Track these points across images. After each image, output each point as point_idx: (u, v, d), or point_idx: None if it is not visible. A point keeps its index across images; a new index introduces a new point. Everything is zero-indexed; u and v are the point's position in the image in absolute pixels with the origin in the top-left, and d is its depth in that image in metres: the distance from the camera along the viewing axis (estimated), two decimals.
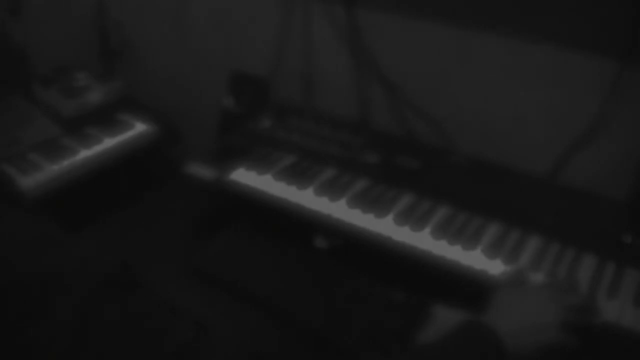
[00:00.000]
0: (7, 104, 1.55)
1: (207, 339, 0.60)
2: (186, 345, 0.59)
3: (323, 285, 1.23)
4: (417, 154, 1.38)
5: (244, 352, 0.64)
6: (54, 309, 0.55)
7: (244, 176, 1.31)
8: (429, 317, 1.08)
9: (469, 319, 0.85)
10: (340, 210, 1.22)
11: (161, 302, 0.62)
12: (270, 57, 1.66)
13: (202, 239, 1.42)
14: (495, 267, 1.09)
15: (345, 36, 1.53)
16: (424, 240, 1.14)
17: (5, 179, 1.35)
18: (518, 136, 1.39)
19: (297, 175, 1.31)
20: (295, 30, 1.60)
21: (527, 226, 1.17)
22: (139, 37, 1.91)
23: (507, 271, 1.07)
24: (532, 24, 1.27)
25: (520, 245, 1.14)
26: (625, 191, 1.27)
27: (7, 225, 0.60)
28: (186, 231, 1.50)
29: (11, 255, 0.57)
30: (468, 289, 1.06)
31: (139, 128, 1.66)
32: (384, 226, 1.18)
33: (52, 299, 0.55)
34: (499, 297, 0.91)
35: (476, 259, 1.10)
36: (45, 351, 0.54)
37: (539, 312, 0.87)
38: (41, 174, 1.43)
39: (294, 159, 1.37)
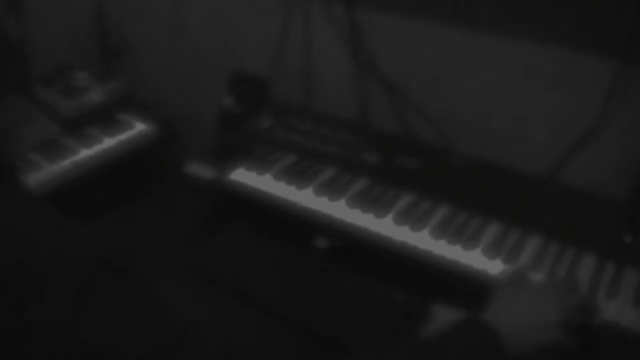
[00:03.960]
0: (7, 104, 1.55)
1: (200, 335, 0.60)
2: (177, 340, 0.59)
3: (323, 285, 1.23)
4: (417, 154, 1.38)
5: (241, 350, 0.63)
6: (50, 292, 0.55)
7: (244, 176, 1.31)
8: (429, 317, 1.08)
9: (467, 316, 0.85)
10: (340, 210, 1.22)
11: (156, 293, 0.61)
12: (270, 57, 1.66)
13: (202, 239, 1.42)
14: (495, 267, 1.09)
15: (345, 36, 1.53)
16: (424, 240, 1.14)
17: None
18: (518, 136, 1.39)
19: (297, 175, 1.31)
20: (295, 30, 1.60)
21: (527, 226, 1.17)
22: (139, 37, 1.91)
23: (506, 270, 1.07)
24: (532, 24, 1.27)
25: (520, 245, 1.14)
26: (625, 191, 1.27)
27: (3, 209, 0.60)
28: (186, 231, 1.50)
29: (7, 239, 0.56)
30: (468, 289, 1.06)
31: (139, 128, 1.66)
32: (384, 226, 1.18)
33: (49, 282, 0.55)
34: (499, 295, 0.91)
35: (476, 259, 1.10)
36: (41, 334, 0.54)
37: (539, 312, 0.87)
38: (41, 174, 1.43)
39: (294, 159, 1.37)
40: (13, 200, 0.63)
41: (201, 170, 1.39)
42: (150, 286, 0.61)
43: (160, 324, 0.59)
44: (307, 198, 1.25)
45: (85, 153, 1.53)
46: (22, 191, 0.70)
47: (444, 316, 1.08)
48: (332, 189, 1.26)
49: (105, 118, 1.66)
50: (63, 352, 0.54)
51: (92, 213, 1.49)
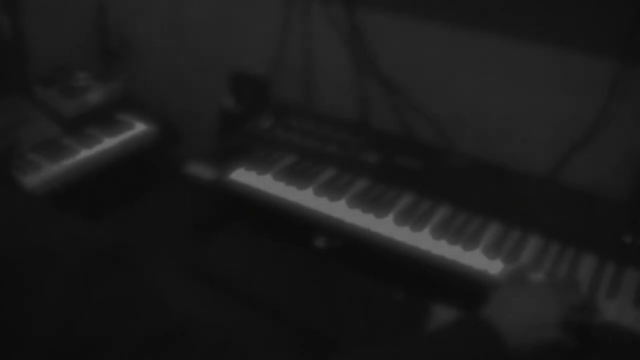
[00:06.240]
0: (7, 104, 1.55)
1: (193, 330, 0.60)
2: (171, 333, 0.58)
3: (323, 285, 1.23)
4: (417, 154, 1.38)
5: (237, 348, 0.63)
6: (45, 284, 0.55)
7: (244, 176, 1.31)
8: (429, 317, 1.08)
9: (467, 314, 0.85)
10: (340, 210, 1.22)
11: (151, 286, 0.61)
12: (270, 57, 1.66)
13: (202, 239, 1.42)
14: (495, 267, 1.09)
15: (345, 36, 1.53)
16: (424, 240, 1.14)
17: None
18: (518, 136, 1.39)
19: (297, 175, 1.31)
20: (295, 30, 1.60)
21: (527, 226, 1.17)
22: (139, 37, 1.91)
23: (506, 269, 1.07)
24: (532, 24, 1.27)
25: (520, 245, 1.14)
26: (625, 191, 1.27)
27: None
28: (186, 231, 1.50)
29: (2, 232, 0.56)
30: (468, 289, 1.07)
31: (139, 128, 1.66)
32: (384, 226, 1.18)
33: (42, 274, 0.55)
34: (498, 294, 0.91)
35: (476, 259, 1.10)
36: (34, 328, 0.54)
37: (539, 311, 0.86)
38: (41, 174, 1.43)
39: (294, 159, 1.37)
40: (8, 196, 0.63)
41: (201, 170, 1.39)
42: (145, 279, 0.61)
43: (154, 316, 0.59)
44: (307, 198, 1.25)
45: (85, 153, 1.53)
46: (17, 188, 0.70)
47: (443, 316, 1.08)
48: (332, 189, 1.26)
49: (105, 118, 1.66)
50: (57, 345, 0.54)
51: (92, 213, 1.49)
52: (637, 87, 1.20)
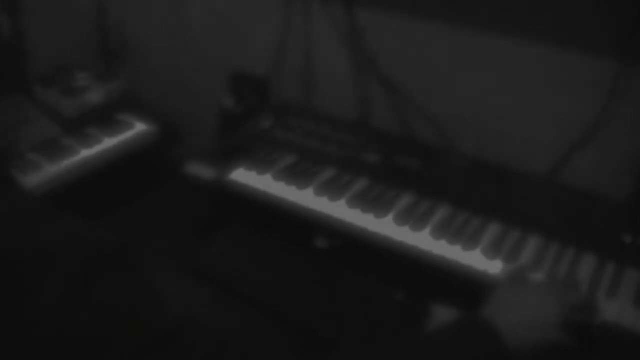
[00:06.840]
0: (7, 104, 1.55)
1: (193, 329, 0.60)
2: (171, 333, 0.58)
3: (323, 285, 1.23)
4: (417, 154, 1.38)
5: (237, 347, 0.63)
6: (45, 285, 0.54)
7: (244, 176, 1.31)
8: (429, 317, 1.08)
9: (467, 314, 0.85)
10: (340, 210, 1.22)
11: (151, 286, 0.61)
12: (270, 57, 1.66)
13: (202, 238, 1.42)
14: (495, 267, 1.09)
15: (345, 36, 1.53)
16: (424, 240, 1.14)
17: None
18: (518, 136, 1.39)
19: (297, 175, 1.31)
20: (295, 30, 1.60)
21: (527, 226, 1.17)
22: (138, 37, 1.91)
23: (506, 269, 1.07)
24: (532, 24, 1.27)
25: (520, 245, 1.14)
26: (625, 191, 1.27)
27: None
28: (186, 231, 1.50)
29: (1, 232, 0.56)
30: (468, 289, 1.07)
31: (139, 128, 1.66)
32: (384, 226, 1.18)
33: (42, 274, 0.55)
34: (498, 294, 0.91)
35: (476, 259, 1.10)
36: (34, 329, 0.54)
37: (539, 311, 0.87)
38: (41, 174, 1.43)
39: (294, 159, 1.37)
40: (8, 196, 0.63)
41: (201, 170, 1.39)
42: (145, 279, 0.61)
43: (154, 316, 0.59)
44: (307, 198, 1.25)
45: (85, 153, 1.53)
46: (17, 188, 0.70)
47: (443, 316, 1.08)
48: (332, 189, 1.26)
49: (105, 118, 1.66)
50: (57, 345, 0.54)
51: (92, 213, 1.49)
52: (637, 87, 1.20)
